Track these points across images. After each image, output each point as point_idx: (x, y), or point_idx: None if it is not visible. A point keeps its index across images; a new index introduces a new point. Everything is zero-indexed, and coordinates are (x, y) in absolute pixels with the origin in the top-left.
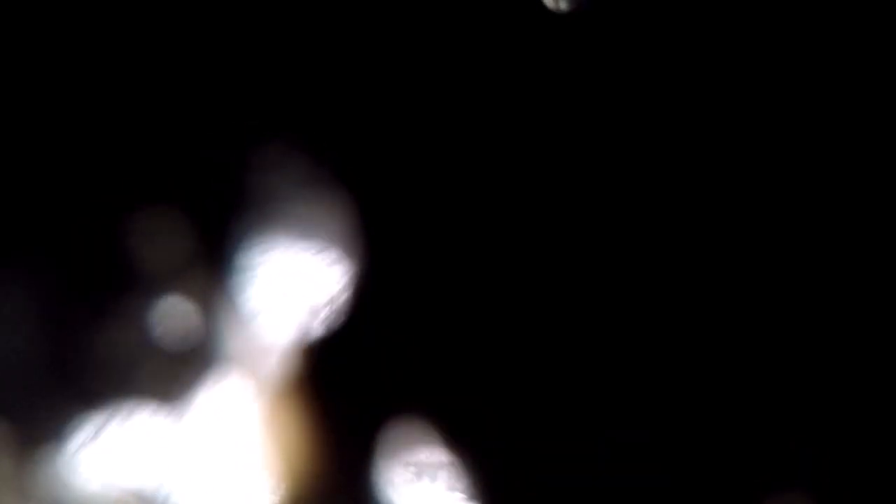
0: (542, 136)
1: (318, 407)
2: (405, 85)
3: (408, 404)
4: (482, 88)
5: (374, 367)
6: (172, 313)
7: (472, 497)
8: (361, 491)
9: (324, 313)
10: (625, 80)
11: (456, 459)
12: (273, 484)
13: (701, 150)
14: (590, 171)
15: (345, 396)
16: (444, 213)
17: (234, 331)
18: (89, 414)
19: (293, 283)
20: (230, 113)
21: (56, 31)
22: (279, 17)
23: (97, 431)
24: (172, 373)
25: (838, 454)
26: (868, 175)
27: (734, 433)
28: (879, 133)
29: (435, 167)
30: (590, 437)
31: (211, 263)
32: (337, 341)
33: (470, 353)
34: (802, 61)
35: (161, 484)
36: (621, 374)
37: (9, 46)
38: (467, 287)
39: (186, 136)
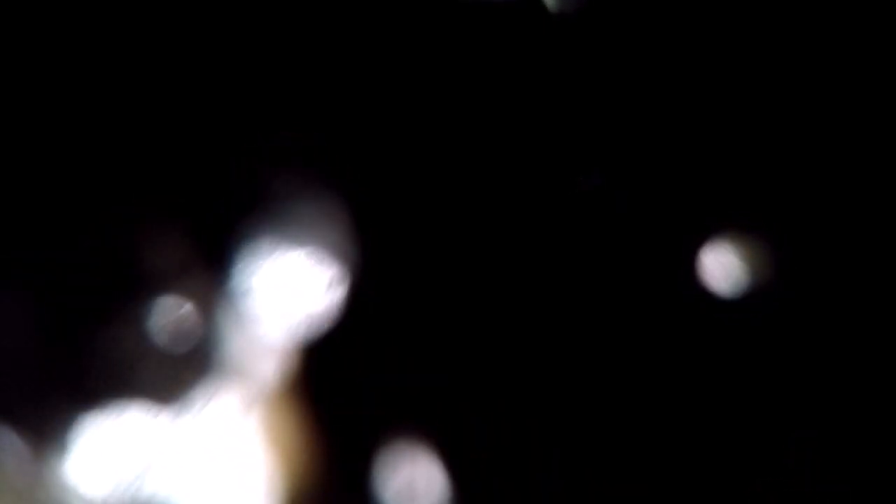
0: (540, 136)
1: (316, 410)
2: (403, 85)
3: (405, 409)
4: (481, 89)
5: (372, 371)
6: (172, 315)
7: None
8: (358, 495)
9: (322, 316)
10: (624, 79)
11: (451, 467)
12: (270, 487)
13: (700, 149)
14: (589, 170)
15: (342, 400)
16: (443, 216)
17: (233, 333)
18: (89, 415)
19: (292, 286)
20: (230, 113)
21: (56, 32)
22: (279, 17)
23: (97, 433)
24: (172, 375)
25: (837, 453)
26: (867, 174)
27: (732, 433)
28: (878, 132)
29: (433, 169)
30: (586, 447)
31: (211, 265)
32: (335, 345)
33: (467, 359)
34: (802, 63)
35: (159, 486)
36: (616, 381)
37: (9, 47)
38: (466, 292)
39: (186, 136)
